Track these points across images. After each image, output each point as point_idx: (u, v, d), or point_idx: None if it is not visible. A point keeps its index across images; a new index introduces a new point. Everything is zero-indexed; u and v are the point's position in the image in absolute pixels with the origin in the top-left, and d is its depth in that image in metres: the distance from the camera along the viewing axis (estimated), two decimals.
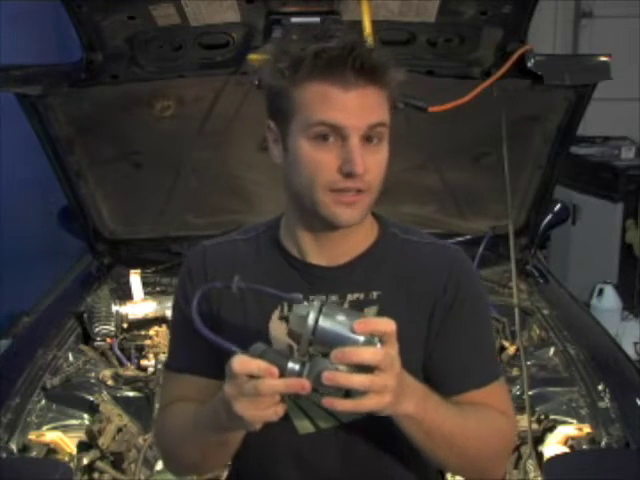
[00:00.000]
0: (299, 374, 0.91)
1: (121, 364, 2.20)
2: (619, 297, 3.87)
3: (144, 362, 2.18)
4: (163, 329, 2.33)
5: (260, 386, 0.90)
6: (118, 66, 1.98)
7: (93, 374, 2.06)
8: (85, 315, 2.26)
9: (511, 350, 2.16)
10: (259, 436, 0.98)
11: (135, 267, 2.49)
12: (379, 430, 1.08)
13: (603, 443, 1.62)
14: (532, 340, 2.24)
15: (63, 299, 2.50)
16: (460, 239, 2.42)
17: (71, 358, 2.09)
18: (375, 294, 1.12)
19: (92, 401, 1.91)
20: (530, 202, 2.40)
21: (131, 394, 2.01)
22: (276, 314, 1.12)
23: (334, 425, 1.13)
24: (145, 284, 2.45)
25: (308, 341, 0.91)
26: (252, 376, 0.90)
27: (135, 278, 2.44)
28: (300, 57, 1.01)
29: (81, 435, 1.82)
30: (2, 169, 3.80)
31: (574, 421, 1.78)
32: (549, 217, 2.67)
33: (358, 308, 1.10)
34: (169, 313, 2.24)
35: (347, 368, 0.89)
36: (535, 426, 1.79)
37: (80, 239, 2.64)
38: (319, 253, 1.13)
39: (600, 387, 1.79)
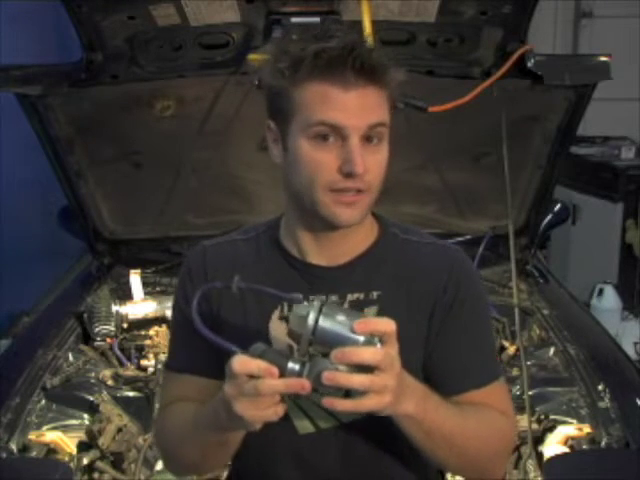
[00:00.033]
0: (299, 374, 0.91)
1: (121, 364, 2.20)
2: (619, 297, 3.87)
3: (144, 362, 2.18)
4: (163, 329, 2.33)
5: (260, 386, 0.90)
6: (118, 66, 1.98)
7: (93, 374, 2.06)
8: (85, 315, 2.26)
9: (511, 350, 2.16)
10: (259, 436, 0.98)
11: (135, 267, 2.49)
12: (379, 430, 1.08)
13: (603, 443, 1.62)
14: (532, 340, 2.24)
15: (63, 299, 2.50)
16: (460, 239, 2.42)
17: (71, 358, 2.09)
18: (375, 294, 1.12)
19: (92, 401, 1.91)
20: (530, 202, 2.40)
21: (131, 394, 2.01)
22: (276, 314, 1.12)
23: (334, 425, 1.13)
24: (145, 284, 2.45)
25: (308, 341, 0.91)
26: (252, 376, 0.90)
27: (135, 278, 2.44)
28: (300, 57, 1.01)
29: (81, 435, 1.82)
30: (2, 169, 3.80)
31: (574, 421, 1.78)
32: (549, 217, 2.67)
33: (358, 308, 1.10)
34: (169, 313, 2.24)
35: (347, 368, 0.89)
36: (535, 426, 1.79)
37: (80, 239, 2.64)
38: (319, 253, 1.13)
39: (600, 387, 1.79)
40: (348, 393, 0.91)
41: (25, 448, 1.68)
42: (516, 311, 2.07)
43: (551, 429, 1.77)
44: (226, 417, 0.95)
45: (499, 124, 2.00)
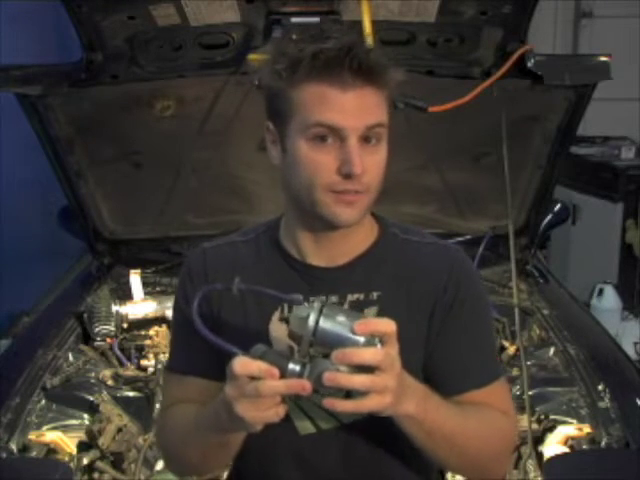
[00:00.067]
0: (300, 375, 0.91)
1: (121, 364, 2.20)
2: (619, 297, 3.87)
3: (144, 362, 2.19)
4: (163, 329, 2.33)
5: (261, 387, 0.90)
6: (118, 66, 1.98)
7: (93, 374, 2.06)
8: (85, 315, 2.26)
9: (511, 350, 2.16)
10: (260, 437, 0.98)
11: (135, 267, 2.49)
12: (380, 431, 1.08)
13: (603, 443, 1.62)
14: (532, 340, 2.24)
15: (63, 299, 2.50)
16: (460, 239, 2.42)
17: (71, 358, 2.09)
18: (375, 294, 1.12)
19: (92, 401, 1.91)
20: (530, 202, 2.40)
21: (131, 394, 2.01)
22: (276, 315, 1.12)
23: (335, 426, 1.13)
24: (145, 284, 2.45)
25: (309, 342, 0.91)
26: (253, 377, 0.90)
27: (135, 278, 2.44)
28: (297, 58, 1.01)
29: (81, 435, 1.82)
30: (2, 169, 3.80)
31: (574, 421, 1.78)
32: (549, 217, 2.67)
33: (358, 309, 1.10)
34: (169, 313, 2.24)
35: (348, 369, 0.89)
36: (535, 426, 1.79)
37: (80, 239, 2.64)
38: (318, 254, 1.13)
39: (600, 387, 1.79)
40: (349, 394, 0.92)
41: (25, 448, 1.68)
42: (516, 311, 2.07)
43: (551, 429, 1.77)
44: (227, 418, 0.95)
45: (499, 124, 2.00)
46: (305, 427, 1.14)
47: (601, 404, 1.73)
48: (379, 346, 0.90)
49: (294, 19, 1.85)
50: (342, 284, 1.13)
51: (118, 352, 2.23)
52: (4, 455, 1.61)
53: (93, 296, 2.33)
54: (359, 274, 1.13)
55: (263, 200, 2.36)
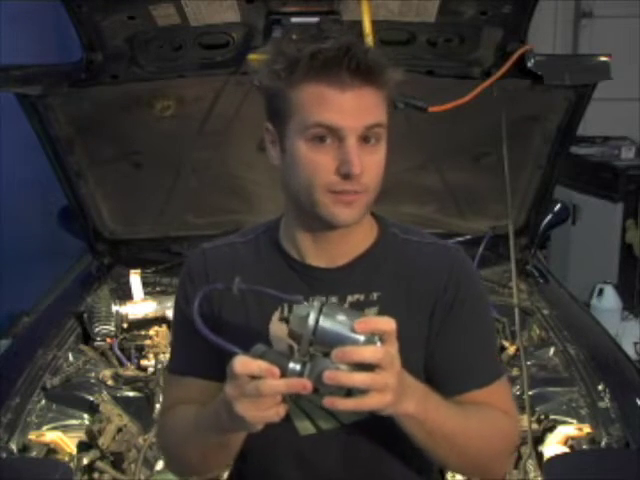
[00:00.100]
0: (300, 374, 0.91)
1: (121, 364, 2.20)
2: (619, 297, 3.87)
3: (144, 362, 2.18)
4: (163, 329, 2.33)
5: (261, 386, 0.90)
6: (118, 66, 1.98)
7: (93, 374, 2.06)
8: (85, 315, 2.26)
9: (511, 350, 2.16)
10: (260, 437, 0.98)
11: (135, 267, 2.49)
12: (380, 431, 1.08)
13: (603, 443, 1.62)
14: (532, 340, 2.24)
15: (63, 299, 2.50)
16: (460, 239, 2.41)
17: (71, 358, 2.09)
18: (375, 295, 1.12)
19: (92, 401, 1.91)
20: (530, 202, 2.40)
21: (131, 394, 2.01)
22: (276, 315, 1.12)
23: (335, 426, 1.13)
24: (145, 284, 2.45)
25: (309, 341, 0.91)
26: (253, 377, 0.90)
27: (135, 278, 2.44)
28: (296, 58, 1.01)
29: (81, 435, 1.82)
30: (2, 169, 3.80)
31: (574, 421, 1.78)
32: (549, 217, 2.67)
33: (358, 309, 1.09)
34: (169, 313, 2.25)
35: (348, 367, 0.89)
36: (535, 426, 1.78)
37: (80, 239, 2.64)
38: (318, 254, 1.13)
39: (600, 387, 1.79)
40: (349, 393, 0.91)
41: (25, 448, 1.68)
42: (516, 311, 2.07)
43: (551, 429, 1.77)
44: (227, 418, 0.95)
45: (499, 124, 2.00)
46: (305, 427, 1.14)
47: (601, 404, 1.73)
48: (379, 344, 0.90)
49: (294, 19, 1.85)
50: (342, 285, 1.12)
51: (118, 352, 2.23)
52: (4, 455, 1.61)
53: (93, 296, 2.33)
54: (359, 275, 1.13)
55: (263, 200, 2.36)
